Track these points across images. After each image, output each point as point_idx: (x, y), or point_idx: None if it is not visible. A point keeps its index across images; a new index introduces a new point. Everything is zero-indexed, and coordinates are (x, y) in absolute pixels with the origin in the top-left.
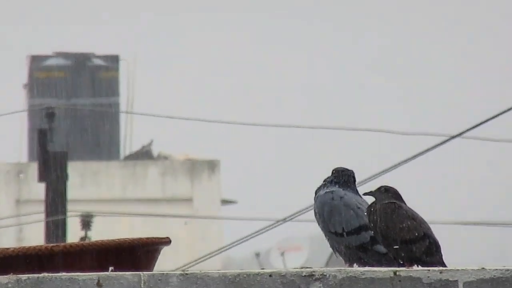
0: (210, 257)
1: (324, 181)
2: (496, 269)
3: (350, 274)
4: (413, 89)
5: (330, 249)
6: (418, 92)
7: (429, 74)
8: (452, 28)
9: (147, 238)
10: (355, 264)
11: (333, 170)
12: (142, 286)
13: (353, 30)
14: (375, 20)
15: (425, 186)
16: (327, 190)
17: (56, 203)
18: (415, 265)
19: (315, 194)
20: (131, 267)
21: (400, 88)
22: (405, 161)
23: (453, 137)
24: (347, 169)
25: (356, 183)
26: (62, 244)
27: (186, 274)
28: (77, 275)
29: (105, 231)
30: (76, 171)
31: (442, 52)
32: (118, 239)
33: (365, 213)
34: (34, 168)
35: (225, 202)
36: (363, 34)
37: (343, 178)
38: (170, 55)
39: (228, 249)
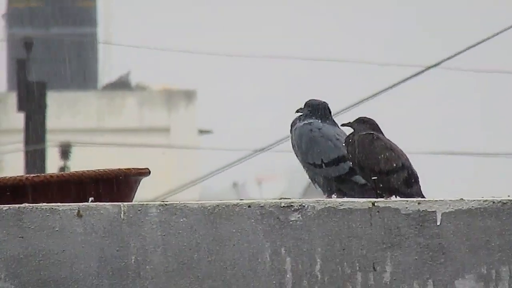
0: (188, 187)
1: (297, 112)
2: (474, 200)
3: (328, 205)
4: (390, 19)
5: (307, 180)
6: (395, 22)
7: (407, 3)
8: None
9: (127, 169)
10: (333, 195)
11: (306, 103)
12: (122, 217)
13: None
14: None
15: (402, 117)
16: (305, 122)
17: (35, 132)
18: (394, 196)
19: (291, 126)
20: (110, 197)
21: (376, 18)
22: (382, 91)
23: (429, 67)
24: (321, 101)
25: (331, 114)
26: (42, 174)
27: (166, 204)
28: (58, 205)
29: (83, 161)
30: (54, 101)
31: None
32: (97, 170)
33: (343, 144)
34: (13, 97)
35: (202, 132)
36: None
37: (319, 111)
38: None
39: (206, 179)
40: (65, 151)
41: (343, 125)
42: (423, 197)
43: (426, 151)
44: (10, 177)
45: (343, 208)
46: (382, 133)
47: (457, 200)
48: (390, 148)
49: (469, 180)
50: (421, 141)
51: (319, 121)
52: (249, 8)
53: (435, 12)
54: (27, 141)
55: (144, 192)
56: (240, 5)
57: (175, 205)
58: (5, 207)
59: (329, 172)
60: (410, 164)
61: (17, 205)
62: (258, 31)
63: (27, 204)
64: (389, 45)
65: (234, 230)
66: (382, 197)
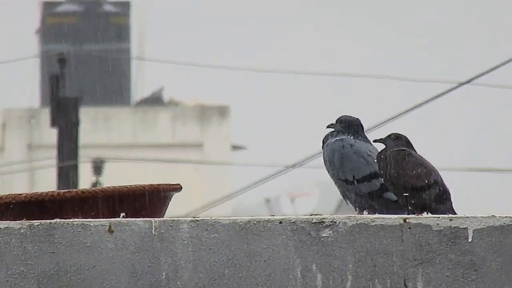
0: (221, 203)
1: (328, 127)
2: (506, 217)
3: (360, 221)
4: (422, 36)
5: (339, 196)
6: (429, 39)
7: (439, 21)
8: None
9: (159, 185)
10: (365, 211)
11: (338, 119)
12: (153, 232)
13: None
14: None
15: (434, 133)
16: (337, 138)
17: (68, 148)
18: (425, 213)
19: (323, 142)
20: (142, 213)
21: (410, 35)
22: (415, 107)
23: (462, 84)
24: (353, 117)
25: (364, 130)
26: (74, 190)
27: (197, 220)
28: (89, 221)
29: (116, 176)
30: (87, 116)
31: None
32: (129, 185)
33: (375, 160)
34: (46, 113)
35: (235, 148)
36: None
37: (351, 127)
38: (181, 1)
39: (238, 195)
40: (97, 167)
41: (375, 141)
42: (455, 213)
43: (458, 167)
44: (42, 193)
45: (375, 225)
46: (414, 149)
47: (488, 216)
48: (422, 164)
49: (501, 197)
50: (453, 157)
51: (351, 137)
52: (282, 24)
53: (468, 28)
54: (60, 157)
55: (176, 207)
56: (273, 22)
57: (206, 221)
58: (36, 222)
59: (360, 188)
60: (442, 181)
61: (48, 221)
62: (291, 47)
63: (58, 220)
64: (422, 62)
65: (265, 246)
66: (414, 214)
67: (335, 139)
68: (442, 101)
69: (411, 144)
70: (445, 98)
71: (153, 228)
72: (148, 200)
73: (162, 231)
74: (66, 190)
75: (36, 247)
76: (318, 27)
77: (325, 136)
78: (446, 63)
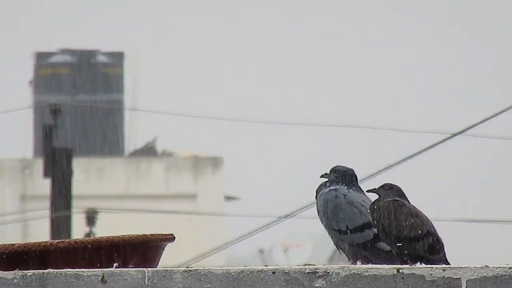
0: (214, 253)
1: (322, 177)
2: (500, 267)
3: (353, 271)
4: (415, 86)
5: (333, 246)
6: (421, 90)
7: (431, 72)
8: (455, 25)
9: (152, 235)
10: (358, 262)
11: (332, 169)
12: (146, 282)
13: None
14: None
15: (427, 184)
16: (331, 188)
17: (61, 199)
18: (418, 263)
19: (316, 192)
20: (135, 263)
21: (402, 85)
22: (408, 158)
23: (454, 135)
24: (347, 167)
25: (357, 180)
26: (67, 240)
27: (190, 270)
28: (82, 271)
29: (109, 227)
30: (81, 167)
31: (444, 48)
32: (122, 235)
33: (369, 211)
34: (39, 164)
35: (228, 198)
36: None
37: (345, 177)
38: (174, 53)
39: (231, 245)
40: (91, 217)
41: (368, 191)
42: (448, 264)
43: (451, 218)
44: (35, 243)
45: (368, 275)
46: (407, 199)
47: (482, 267)
48: (415, 215)
49: (495, 247)
50: (446, 207)
51: (345, 187)
52: (275, 74)
53: (460, 78)
54: (53, 207)
55: (170, 258)
56: (266, 71)
57: (199, 270)
58: (29, 272)
59: (354, 238)
60: (435, 231)
61: (41, 271)
62: (283, 98)
63: (51, 270)
64: (414, 112)
65: None
66: (407, 264)
67: (329, 189)
68: (435, 151)
69: (404, 195)
70: (438, 148)
71: (146, 278)
72: (141, 250)
73: (155, 281)
74: (59, 241)
75: None
76: (310, 77)
77: (319, 186)
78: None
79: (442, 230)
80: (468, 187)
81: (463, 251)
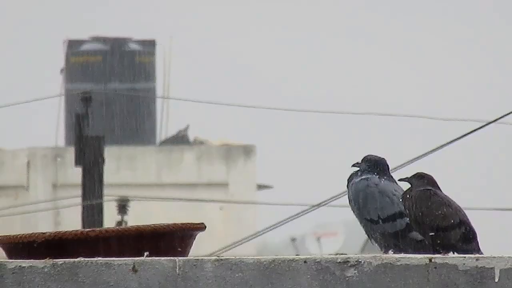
0: (245, 242)
1: (354, 166)
2: None
3: (385, 261)
4: (450, 74)
5: (365, 235)
6: (455, 77)
7: (465, 59)
8: (493, 12)
9: (183, 224)
10: (390, 251)
11: (364, 158)
12: (177, 272)
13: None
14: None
15: (460, 172)
16: (362, 177)
17: (92, 187)
18: (451, 252)
19: (348, 182)
20: (166, 252)
21: (436, 72)
22: (441, 146)
23: (489, 123)
24: (379, 156)
25: (389, 169)
26: (98, 229)
27: (221, 259)
28: (113, 260)
29: (141, 215)
30: (112, 155)
31: (478, 35)
32: (154, 224)
33: (401, 200)
34: (71, 152)
35: (260, 187)
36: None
37: (377, 166)
38: (206, 39)
39: (263, 234)
40: (122, 206)
41: (400, 180)
42: (481, 253)
43: (484, 207)
44: (66, 231)
45: (400, 264)
46: (439, 188)
47: None
48: (448, 204)
49: None
50: (478, 197)
51: (377, 176)
52: (308, 61)
53: (495, 65)
54: (85, 196)
55: (201, 247)
56: (299, 59)
57: (230, 260)
58: (60, 261)
59: (386, 228)
60: (468, 220)
61: (72, 260)
62: (316, 86)
63: (82, 259)
64: (448, 100)
65: (290, 286)
66: (439, 253)
67: (360, 178)
68: (469, 139)
69: (437, 184)
70: (472, 136)
71: (177, 267)
72: (172, 239)
73: (186, 270)
74: (90, 229)
75: (60, 286)
76: (344, 64)
77: (350, 175)
78: (473, 102)
79: (475, 220)
80: (503, 176)
81: (497, 240)
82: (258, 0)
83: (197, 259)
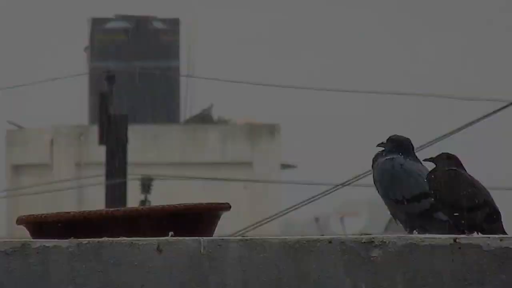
0: (270, 221)
1: (378, 146)
2: None
3: (410, 241)
4: (472, 54)
5: (389, 215)
6: (478, 57)
7: (488, 40)
8: None
9: (207, 204)
10: (415, 231)
11: (389, 138)
12: (202, 251)
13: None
14: None
15: (485, 152)
16: (388, 157)
17: (116, 166)
18: (475, 233)
19: (373, 162)
20: (191, 232)
21: (459, 53)
22: (465, 126)
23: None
24: (404, 137)
25: (414, 150)
26: (123, 208)
27: (246, 239)
28: (137, 240)
29: (164, 194)
30: (136, 134)
31: (502, 14)
32: (178, 204)
33: (426, 180)
34: (94, 131)
35: (284, 166)
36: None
37: (402, 146)
38: (231, 19)
39: (287, 213)
40: (146, 185)
41: (425, 160)
42: (505, 234)
43: (509, 187)
44: (91, 211)
45: (425, 245)
46: (464, 169)
47: None
48: (473, 184)
49: None
50: (503, 177)
51: (402, 156)
52: (332, 42)
53: None
54: (108, 175)
55: (225, 226)
56: (323, 39)
57: (255, 240)
58: (85, 241)
59: (410, 208)
60: (493, 201)
61: (97, 239)
62: (340, 64)
63: (107, 238)
64: (471, 80)
65: (315, 266)
66: (464, 234)
67: (385, 158)
68: (492, 119)
69: (462, 164)
70: (495, 116)
71: (202, 247)
72: (197, 219)
73: (211, 250)
74: (115, 209)
75: (84, 265)
76: (369, 46)
77: (375, 155)
78: (496, 81)
79: (499, 200)
80: None
81: None
82: None
83: (222, 239)
